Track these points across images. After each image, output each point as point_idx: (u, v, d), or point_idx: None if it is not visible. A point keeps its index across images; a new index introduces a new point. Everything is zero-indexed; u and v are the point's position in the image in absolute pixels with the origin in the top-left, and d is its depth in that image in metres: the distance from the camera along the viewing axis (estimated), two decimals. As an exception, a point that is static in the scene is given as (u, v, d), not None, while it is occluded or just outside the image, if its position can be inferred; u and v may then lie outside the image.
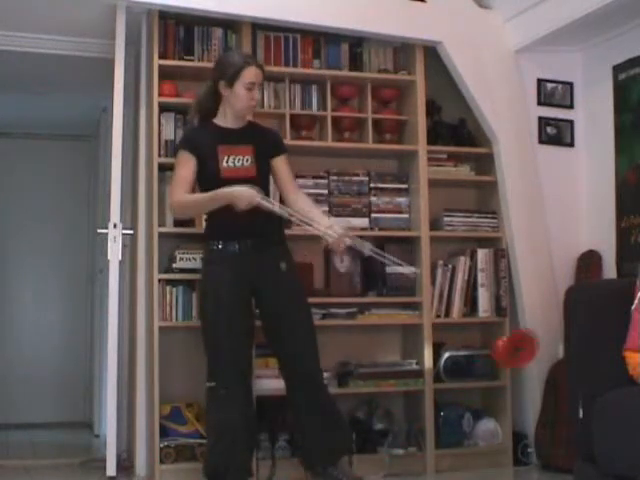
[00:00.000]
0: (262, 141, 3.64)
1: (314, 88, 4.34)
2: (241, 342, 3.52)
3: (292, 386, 3.60)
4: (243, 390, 3.51)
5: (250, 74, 3.53)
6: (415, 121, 4.40)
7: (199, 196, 3.57)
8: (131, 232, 4.23)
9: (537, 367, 4.33)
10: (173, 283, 4.01)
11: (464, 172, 4.54)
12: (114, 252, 3.96)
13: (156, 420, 3.91)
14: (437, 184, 4.44)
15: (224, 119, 3.63)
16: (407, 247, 4.38)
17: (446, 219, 4.43)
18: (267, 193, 3.61)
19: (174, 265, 4.00)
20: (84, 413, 6.63)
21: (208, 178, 3.55)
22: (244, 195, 3.39)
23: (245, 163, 3.55)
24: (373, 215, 4.35)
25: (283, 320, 3.57)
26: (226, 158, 3.53)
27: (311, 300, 4.12)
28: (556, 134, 4.60)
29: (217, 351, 3.49)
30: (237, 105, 3.58)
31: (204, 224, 3.79)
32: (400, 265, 3.84)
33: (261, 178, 3.58)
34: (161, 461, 3.89)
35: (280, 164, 3.68)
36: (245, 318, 3.55)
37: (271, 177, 3.71)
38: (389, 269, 4.28)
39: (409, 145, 4.43)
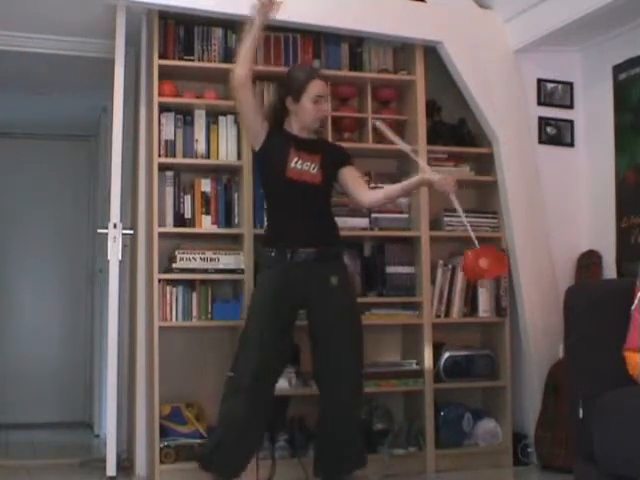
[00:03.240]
0: (330, 153, 3.67)
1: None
2: (271, 351, 3.46)
3: (324, 408, 3.55)
4: (259, 390, 3.46)
5: (316, 87, 3.57)
6: (415, 121, 4.40)
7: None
8: (131, 232, 4.23)
9: (537, 367, 4.34)
10: (173, 283, 4.02)
11: (464, 172, 4.54)
12: (114, 252, 3.96)
13: (156, 420, 3.91)
14: (437, 184, 4.44)
15: (294, 128, 3.64)
16: (407, 247, 4.39)
17: (446, 219, 4.43)
18: (329, 204, 3.66)
19: (174, 265, 4.00)
20: (84, 413, 6.63)
21: (274, 174, 3.57)
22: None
23: (312, 170, 3.56)
24: (373, 215, 4.34)
25: (328, 338, 3.51)
26: (295, 160, 3.55)
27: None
28: (556, 134, 4.60)
29: (246, 348, 3.48)
30: (306, 118, 3.59)
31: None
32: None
33: (325, 186, 3.60)
34: (161, 461, 3.90)
35: (349, 171, 3.68)
36: (282, 331, 3.50)
37: (342, 186, 3.72)
38: (389, 269, 4.30)
39: (409, 145, 4.42)
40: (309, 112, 3.57)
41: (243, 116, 3.70)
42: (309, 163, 3.56)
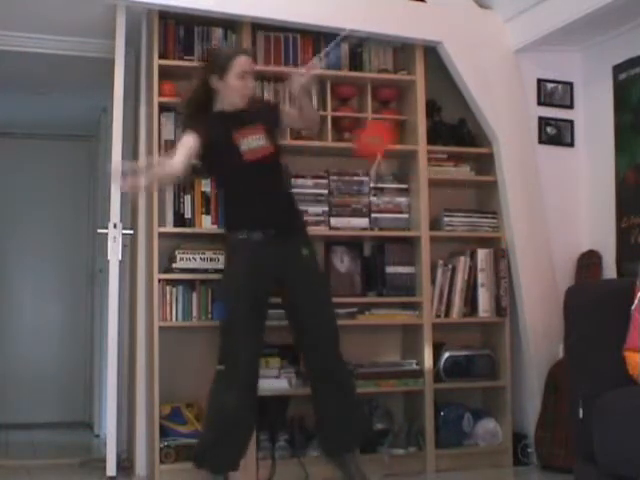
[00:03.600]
0: (266, 115, 3.68)
1: (314, 88, 4.34)
2: (254, 335, 3.52)
3: (315, 374, 3.63)
4: (250, 379, 3.50)
5: (241, 63, 3.56)
6: (415, 121, 4.40)
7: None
8: (131, 232, 4.23)
9: (537, 367, 4.34)
10: (173, 283, 4.02)
11: (464, 172, 4.54)
12: (114, 252, 3.96)
13: (156, 420, 3.91)
14: (437, 184, 4.44)
15: (222, 105, 3.64)
16: (407, 247, 4.39)
17: (446, 219, 4.43)
18: (282, 172, 3.72)
19: (174, 265, 4.00)
20: (84, 413, 6.63)
21: (230, 163, 3.57)
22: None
23: (260, 142, 3.57)
24: (373, 215, 4.35)
25: (312, 303, 3.60)
26: (243, 141, 3.55)
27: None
28: (556, 134, 4.60)
29: (231, 336, 3.49)
30: (232, 95, 3.59)
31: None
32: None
33: (278, 154, 3.64)
34: (161, 461, 3.90)
35: (286, 109, 3.76)
36: (260, 313, 3.55)
37: (291, 122, 3.81)
38: (389, 269, 4.29)
39: (409, 145, 4.43)
40: (235, 89, 3.57)
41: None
42: (255, 137, 3.56)
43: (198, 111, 3.66)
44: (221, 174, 3.68)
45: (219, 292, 3.84)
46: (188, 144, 3.52)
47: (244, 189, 3.56)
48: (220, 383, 3.49)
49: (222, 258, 3.99)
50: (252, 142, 3.55)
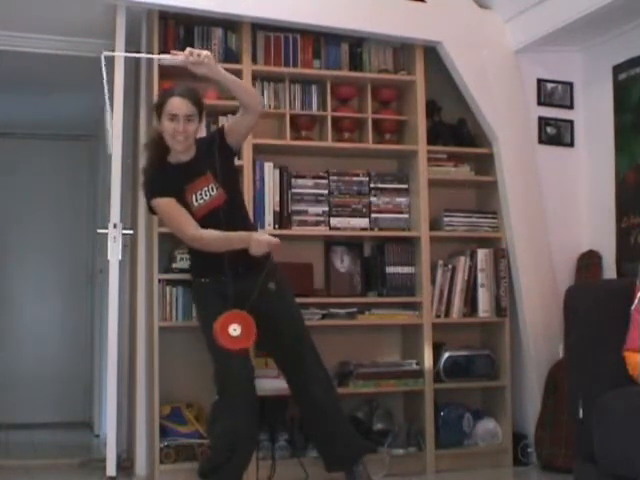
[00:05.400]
0: (212, 154, 3.48)
1: (314, 88, 4.34)
2: (243, 359, 3.47)
3: (298, 391, 3.62)
4: (248, 397, 3.46)
5: (171, 105, 3.39)
6: (415, 121, 4.40)
7: (219, 234, 3.40)
8: (131, 232, 4.23)
9: (537, 367, 4.34)
10: (173, 283, 4.02)
11: (464, 172, 4.54)
12: (114, 252, 3.96)
13: (156, 420, 3.91)
14: (437, 184, 4.44)
15: (175, 156, 3.52)
16: (407, 247, 4.39)
17: (446, 219, 4.43)
18: (242, 207, 3.63)
19: (174, 265, 4.00)
20: (84, 413, 6.63)
21: None
22: (262, 242, 3.32)
23: (212, 192, 3.46)
24: (373, 215, 4.35)
25: (280, 333, 3.57)
26: (194, 197, 3.45)
27: (311, 300, 4.15)
28: (556, 134, 4.60)
29: (222, 365, 3.45)
30: (167, 139, 3.44)
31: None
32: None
33: (232, 197, 3.51)
34: (161, 461, 3.90)
35: (227, 127, 3.55)
36: None
37: (241, 132, 3.58)
38: (389, 269, 4.30)
39: (409, 145, 4.43)
40: (166, 131, 3.42)
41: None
42: (206, 189, 3.45)
43: (156, 166, 3.52)
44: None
45: (201, 327, 3.67)
46: (172, 203, 3.43)
47: None
48: (218, 410, 3.46)
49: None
50: (203, 195, 3.45)
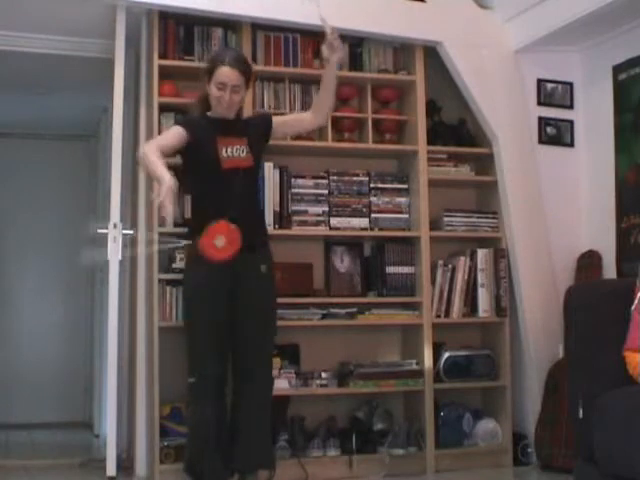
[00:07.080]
0: (255, 129, 3.63)
1: (314, 88, 4.34)
2: (220, 340, 3.47)
3: (237, 391, 3.56)
4: (220, 389, 3.48)
5: (220, 75, 3.46)
6: (415, 121, 4.40)
7: (155, 160, 3.35)
8: (131, 232, 4.23)
9: (537, 367, 4.34)
10: (173, 283, 4.01)
11: (464, 172, 4.54)
12: (114, 252, 3.96)
13: (156, 420, 3.91)
14: (437, 184, 4.44)
15: (216, 112, 3.59)
16: (407, 247, 4.39)
17: (446, 219, 4.43)
18: (257, 187, 3.72)
19: (174, 265, 4.00)
20: (84, 413, 6.64)
21: (207, 167, 3.52)
22: (165, 181, 3.21)
23: (242, 154, 3.53)
24: (373, 215, 4.35)
25: (246, 322, 3.51)
26: (224, 149, 3.50)
27: (311, 300, 4.15)
28: (556, 134, 4.60)
29: (197, 346, 3.47)
30: (213, 104, 3.55)
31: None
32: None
33: (255, 168, 3.61)
34: (161, 461, 3.90)
35: (279, 120, 3.73)
36: (221, 325, 3.49)
37: (287, 132, 3.85)
38: (389, 269, 4.30)
39: (409, 145, 4.43)
40: (213, 98, 3.53)
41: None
42: (238, 147, 3.52)
43: (203, 109, 3.63)
44: (197, 174, 3.57)
45: (183, 306, 3.77)
46: (177, 131, 3.50)
47: (215, 195, 3.49)
48: (194, 396, 3.47)
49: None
50: (234, 151, 3.51)
